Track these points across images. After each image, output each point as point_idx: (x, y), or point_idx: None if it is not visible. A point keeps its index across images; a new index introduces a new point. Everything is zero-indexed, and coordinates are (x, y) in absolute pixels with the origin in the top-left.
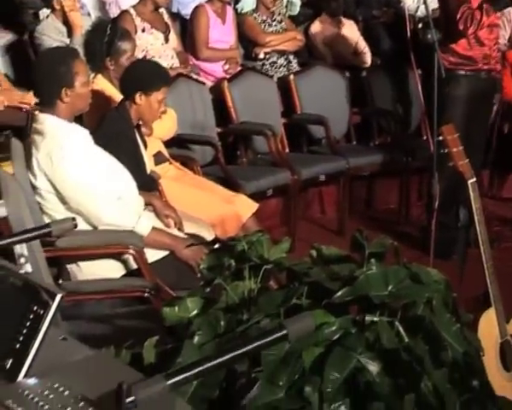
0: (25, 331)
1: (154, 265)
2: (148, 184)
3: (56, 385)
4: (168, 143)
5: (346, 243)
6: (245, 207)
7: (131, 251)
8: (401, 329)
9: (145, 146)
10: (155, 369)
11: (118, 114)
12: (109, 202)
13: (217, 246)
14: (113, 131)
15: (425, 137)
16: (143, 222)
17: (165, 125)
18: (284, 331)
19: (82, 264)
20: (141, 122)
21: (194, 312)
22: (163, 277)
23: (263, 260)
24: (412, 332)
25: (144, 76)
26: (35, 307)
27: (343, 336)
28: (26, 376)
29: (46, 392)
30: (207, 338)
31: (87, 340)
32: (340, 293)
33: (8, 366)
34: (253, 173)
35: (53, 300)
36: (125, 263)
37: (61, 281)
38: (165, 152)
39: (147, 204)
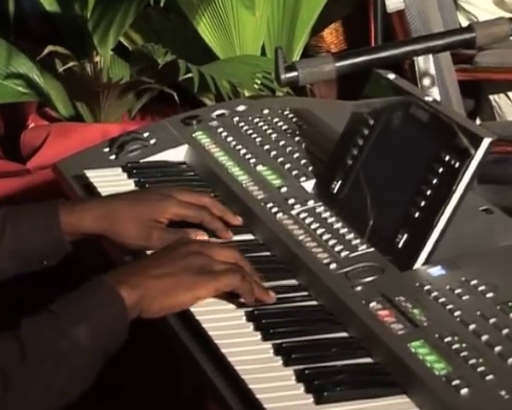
0: (428, 193)
1: None
2: None
3: (474, 282)
4: None
5: None
6: None
7: None
8: None
9: None
10: None
11: None
12: None
13: None
14: None
15: None
16: None
17: None
18: None
19: None
20: None
21: None
22: None
23: None
24: None
25: None
26: (447, 157)
27: None
28: (426, 262)
29: (457, 290)
30: None
31: None
32: None
33: (400, 243)
34: None
35: (476, 148)
36: None
37: (478, 120)
38: None
39: None
